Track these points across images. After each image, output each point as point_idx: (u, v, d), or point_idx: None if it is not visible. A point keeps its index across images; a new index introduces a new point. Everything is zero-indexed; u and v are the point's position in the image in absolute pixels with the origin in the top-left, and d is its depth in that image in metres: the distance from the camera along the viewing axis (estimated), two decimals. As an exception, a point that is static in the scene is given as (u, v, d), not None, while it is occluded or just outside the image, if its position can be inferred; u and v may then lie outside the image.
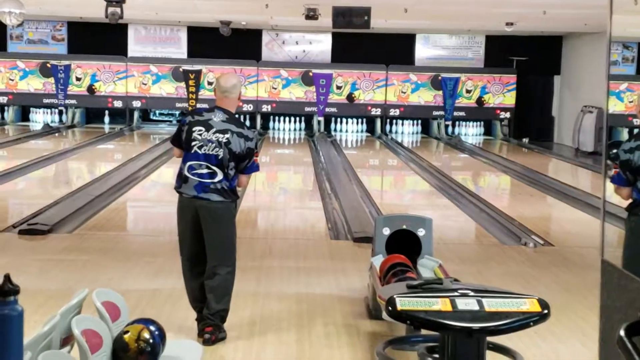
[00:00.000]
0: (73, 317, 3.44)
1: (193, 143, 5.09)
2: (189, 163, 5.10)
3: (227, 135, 5.06)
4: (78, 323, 3.37)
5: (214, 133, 5.07)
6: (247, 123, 19.63)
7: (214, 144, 5.05)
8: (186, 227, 5.21)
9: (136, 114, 21.38)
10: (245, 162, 5.11)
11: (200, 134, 5.07)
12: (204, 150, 5.07)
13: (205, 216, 5.09)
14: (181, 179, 5.15)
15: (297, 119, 21.47)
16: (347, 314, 5.87)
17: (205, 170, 5.06)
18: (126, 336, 3.63)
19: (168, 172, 13.42)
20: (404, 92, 21.37)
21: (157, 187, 12.69)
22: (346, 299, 6.24)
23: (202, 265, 5.23)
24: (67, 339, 3.42)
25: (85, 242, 8.04)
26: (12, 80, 21.01)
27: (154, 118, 21.94)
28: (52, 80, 20.97)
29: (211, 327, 5.14)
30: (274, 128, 21.37)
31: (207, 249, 5.17)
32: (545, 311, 3.97)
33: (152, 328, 3.68)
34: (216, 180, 5.06)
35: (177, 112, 21.67)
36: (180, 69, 21.08)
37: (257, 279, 6.86)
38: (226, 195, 5.11)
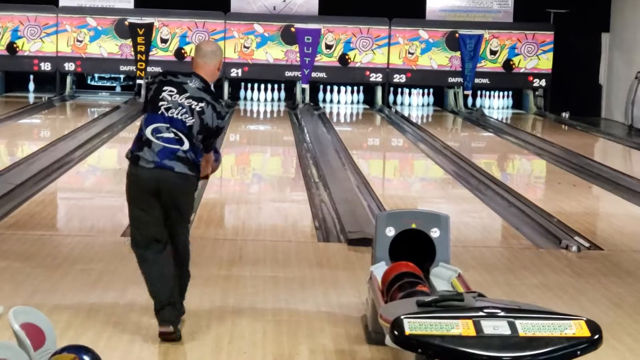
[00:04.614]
0: (-18, 344, 3.45)
1: (160, 103, 5.50)
2: (153, 125, 5.48)
3: (202, 105, 5.51)
4: (-11, 352, 3.39)
5: (187, 98, 5.51)
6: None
7: (184, 109, 5.48)
8: (145, 210, 5.48)
9: (69, 80, 21.38)
10: (210, 141, 5.63)
11: (170, 95, 5.50)
12: (172, 113, 5.47)
13: (168, 191, 5.45)
14: (141, 142, 5.48)
15: (276, 86, 21.58)
16: (339, 338, 5.89)
17: (172, 135, 5.46)
18: (53, 369, 3.65)
19: (110, 155, 13.55)
20: (412, 54, 21.42)
21: (95, 173, 12.83)
22: (339, 319, 6.29)
23: (163, 250, 5.58)
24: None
25: (1, 245, 8.03)
26: None
27: (92, 84, 21.97)
28: (-40, 36, 20.89)
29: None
30: (245, 98, 21.53)
31: (171, 230, 5.54)
32: (596, 336, 4.02)
33: (86, 358, 3.70)
34: (183, 148, 5.47)
35: (122, 77, 21.58)
36: (126, 22, 21.02)
37: (223, 292, 6.92)
38: (192, 167, 5.51)
